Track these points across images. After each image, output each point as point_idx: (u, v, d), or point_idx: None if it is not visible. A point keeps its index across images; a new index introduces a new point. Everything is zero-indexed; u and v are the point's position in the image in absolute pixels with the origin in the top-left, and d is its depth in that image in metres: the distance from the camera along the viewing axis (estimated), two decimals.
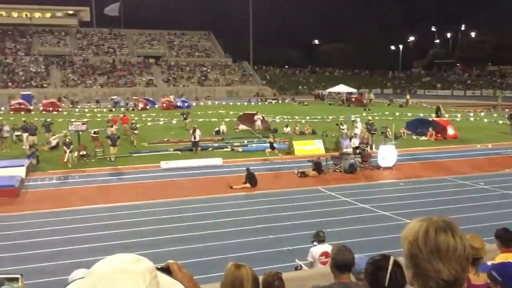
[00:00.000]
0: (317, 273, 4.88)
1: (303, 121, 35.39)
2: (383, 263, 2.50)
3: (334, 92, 63.78)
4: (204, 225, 13.54)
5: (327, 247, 7.45)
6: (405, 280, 1.58)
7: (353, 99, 57.53)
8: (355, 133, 26.03)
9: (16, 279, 3.95)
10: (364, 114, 41.54)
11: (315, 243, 8.13)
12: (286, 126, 32.21)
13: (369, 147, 24.02)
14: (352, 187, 18.03)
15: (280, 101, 63.57)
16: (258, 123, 30.94)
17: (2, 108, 48.21)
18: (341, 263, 3.65)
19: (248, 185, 17.65)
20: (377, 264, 2.56)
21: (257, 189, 17.51)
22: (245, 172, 18.11)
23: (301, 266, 8.47)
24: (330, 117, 39.06)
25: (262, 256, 10.85)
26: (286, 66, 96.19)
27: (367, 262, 2.67)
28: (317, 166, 19.93)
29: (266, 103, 60.84)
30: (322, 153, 23.69)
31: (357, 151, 21.48)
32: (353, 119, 32.08)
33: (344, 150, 21.73)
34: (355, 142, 22.91)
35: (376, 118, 36.43)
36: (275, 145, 23.53)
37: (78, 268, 4.74)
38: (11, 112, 43.76)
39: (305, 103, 57.42)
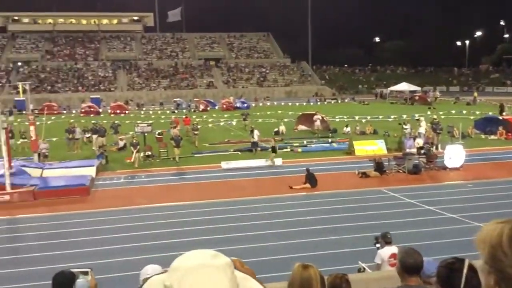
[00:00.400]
0: (383, 276, 4.79)
1: (364, 120, 34.71)
2: (458, 266, 2.41)
3: (396, 91, 61.99)
4: (264, 225, 13.64)
5: (394, 249, 7.27)
6: (481, 286, 1.51)
7: (417, 98, 55.65)
8: (419, 133, 25.16)
9: (86, 273, 4.18)
10: (429, 113, 40.06)
11: (378, 245, 7.96)
12: (346, 126, 31.74)
13: (434, 147, 23.17)
14: (417, 189, 17.46)
15: (339, 101, 62.68)
16: (318, 123, 30.71)
17: (74, 111, 51.05)
18: (410, 266, 3.55)
19: (308, 185, 17.58)
20: (451, 267, 2.47)
21: (317, 189, 17.39)
22: (304, 172, 18.05)
23: (364, 268, 8.32)
24: (392, 117, 38.00)
25: (323, 257, 10.76)
26: (346, 65, 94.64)
27: (439, 265, 2.59)
28: (379, 166, 19.48)
29: (325, 103, 60.20)
30: (384, 153, 23.13)
31: (422, 151, 20.76)
32: (417, 118, 31.05)
33: (408, 150, 21.12)
34: (420, 142, 22.18)
35: (442, 116, 35.04)
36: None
37: (147, 264, 4.95)
38: (82, 115, 46.18)
39: (366, 103, 56.24)
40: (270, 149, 22.55)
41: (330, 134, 30.16)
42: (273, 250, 11.49)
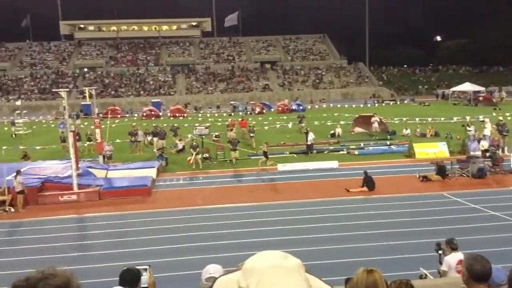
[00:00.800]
0: (448, 283, 4.62)
1: (425, 122, 33.59)
2: None
3: (459, 91, 59.46)
4: (320, 228, 13.55)
5: (461, 256, 7.00)
6: None
7: (481, 98, 53.09)
8: (484, 135, 24.01)
9: (145, 270, 4.35)
10: (494, 114, 38.08)
11: (440, 251, 7.71)
12: (406, 128, 30.86)
13: (500, 149, 22.03)
14: (482, 193, 16.67)
15: (398, 102, 61.03)
16: (375, 125, 30.06)
17: (136, 115, 53.06)
18: (478, 273, 3.40)
19: (365, 188, 17.28)
20: None
21: (375, 193, 17.05)
22: (362, 175, 17.75)
23: (426, 274, 8.07)
24: (455, 118, 36.50)
25: (382, 263, 10.52)
26: (405, 65, 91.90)
27: None
28: (441, 170, 18.78)
29: (384, 104, 58.82)
30: (446, 156, 22.29)
31: (487, 154, 19.81)
32: (481, 119, 29.64)
33: (472, 153, 20.23)
34: (485, 144, 21.17)
35: (508, 118, 33.24)
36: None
37: (204, 264, 5.08)
38: (143, 118, 47.94)
39: (426, 104, 54.36)
40: (262, 155, 22.06)
41: (388, 136, 29.46)
42: (328, 254, 11.39)
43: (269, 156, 21.99)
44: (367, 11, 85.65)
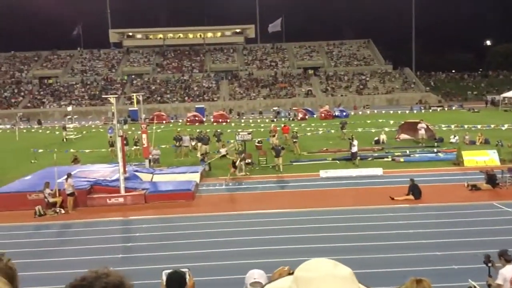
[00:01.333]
0: None
1: (474, 129, 32.44)
2: None
3: (510, 97, 57.02)
4: (363, 236, 13.33)
5: None
6: None
7: None
8: None
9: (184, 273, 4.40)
10: None
11: (489, 264, 7.43)
12: (454, 135, 29.91)
13: None
14: None
15: (446, 109, 59.22)
16: (422, 132, 29.30)
17: (180, 120, 54.13)
18: None
19: (411, 196, 16.85)
20: None
21: (421, 201, 16.60)
22: (407, 183, 17.34)
23: (475, 287, 7.79)
24: (506, 125, 35.02)
25: (428, 274, 10.22)
26: (453, 71, 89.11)
27: None
28: (491, 178, 18.07)
29: (430, 110, 57.25)
30: (497, 164, 21.43)
31: None
32: None
33: None
34: None
35: None
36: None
37: (246, 269, 5.12)
38: (187, 124, 48.83)
39: (476, 110, 52.46)
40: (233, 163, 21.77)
41: (435, 144, 28.64)
42: (373, 263, 11.19)
43: (238, 166, 21.77)
44: (413, 15, 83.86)
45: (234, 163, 21.80)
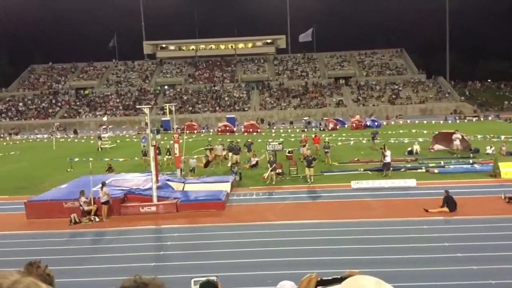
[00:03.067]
0: None
1: (511, 140, 31.44)
2: None
3: None
4: (397, 249, 13.07)
5: None
6: None
7: None
8: None
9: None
10: None
11: None
12: (490, 146, 29.07)
13: None
14: None
15: (482, 119, 57.68)
16: (457, 142, 28.61)
17: (211, 130, 54.65)
18: None
19: (446, 209, 16.43)
20: None
21: (457, 214, 16.17)
22: (442, 194, 16.93)
23: None
24: None
25: None
26: (489, 80, 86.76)
27: None
28: None
29: (466, 120, 55.90)
30: None
31: None
32: None
33: None
34: None
35: None
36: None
37: (276, 280, 5.12)
38: (218, 134, 49.24)
39: None
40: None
41: (471, 155, 27.90)
42: (408, 277, 10.94)
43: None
44: (447, 23, 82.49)
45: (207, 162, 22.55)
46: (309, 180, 22.45)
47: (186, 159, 25.98)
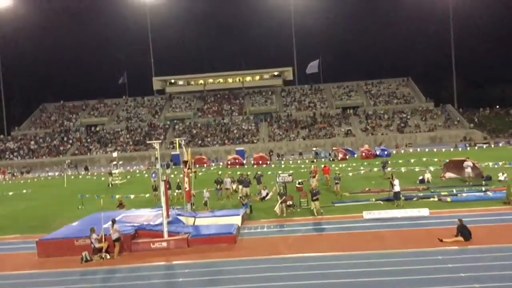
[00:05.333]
0: None
1: None
2: None
3: None
4: (412, 281, 12.83)
5: None
6: None
7: None
8: None
9: None
10: None
11: None
12: (502, 173, 28.76)
13: None
14: None
15: (492, 145, 57.30)
16: (468, 170, 28.37)
17: (221, 163, 54.76)
18: None
19: (460, 238, 16.16)
20: None
21: (472, 243, 15.89)
22: (456, 223, 16.68)
23: None
24: None
25: None
26: (497, 106, 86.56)
27: None
28: None
29: (476, 148, 55.55)
30: None
31: None
32: None
33: None
34: None
35: None
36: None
37: None
38: (228, 166, 49.31)
39: None
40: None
41: (483, 182, 27.60)
42: None
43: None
44: (453, 51, 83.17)
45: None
46: (316, 214, 22.06)
47: (196, 193, 26.00)
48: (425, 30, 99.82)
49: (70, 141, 77.69)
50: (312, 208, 22.59)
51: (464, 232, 16.26)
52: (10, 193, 38.57)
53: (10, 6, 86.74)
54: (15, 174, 61.09)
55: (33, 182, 50.97)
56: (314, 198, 22.29)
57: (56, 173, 58.54)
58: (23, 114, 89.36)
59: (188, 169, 23.23)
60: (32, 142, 77.78)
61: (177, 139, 32.21)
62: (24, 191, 40.43)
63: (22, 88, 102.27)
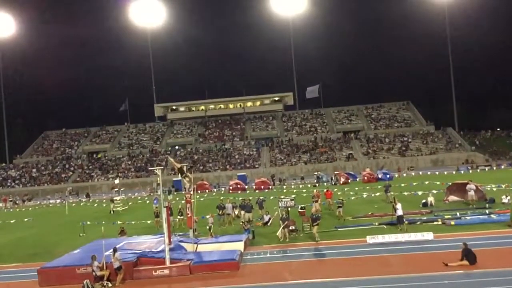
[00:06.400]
0: None
1: None
2: None
3: None
4: None
5: None
6: None
7: None
8: None
9: None
10: None
11: None
12: (506, 195, 28.61)
13: None
14: None
15: (494, 168, 57.19)
16: (471, 193, 28.26)
17: (223, 189, 54.61)
18: None
19: (465, 262, 16.00)
20: None
21: (477, 267, 15.71)
22: (461, 247, 16.54)
23: None
24: None
25: None
26: (498, 129, 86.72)
27: None
28: None
29: (478, 170, 55.43)
30: None
31: None
32: None
33: None
34: None
35: None
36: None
37: None
38: (230, 192, 49.15)
39: None
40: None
41: (487, 205, 27.45)
42: None
43: None
44: (452, 74, 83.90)
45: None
46: (317, 239, 21.82)
47: (198, 219, 25.83)
48: (424, 54, 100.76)
49: (72, 168, 77.72)
50: (313, 233, 22.35)
51: (469, 256, 16.10)
52: (12, 221, 38.37)
53: (13, 34, 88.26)
54: (16, 202, 60.92)
55: (34, 210, 50.77)
56: (315, 223, 22.12)
57: (58, 201, 58.35)
58: (25, 142, 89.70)
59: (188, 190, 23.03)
60: (34, 170, 77.82)
61: (178, 165, 32.17)
62: (26, 219, 40.25)
63: (24, 116, 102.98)
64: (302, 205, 29.67)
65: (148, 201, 45.65)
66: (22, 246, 27.15)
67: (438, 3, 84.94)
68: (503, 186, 34.45)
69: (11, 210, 53.93)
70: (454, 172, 53.39)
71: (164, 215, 19.24)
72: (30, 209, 52.23)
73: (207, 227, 24.70)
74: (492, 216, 23.97)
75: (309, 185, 50.90)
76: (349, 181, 50.81)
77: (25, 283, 18.58)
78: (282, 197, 30.03)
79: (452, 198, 30.61)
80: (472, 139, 78.74)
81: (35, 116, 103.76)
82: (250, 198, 32.18)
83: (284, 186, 52.69)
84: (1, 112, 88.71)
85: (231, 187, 51.48)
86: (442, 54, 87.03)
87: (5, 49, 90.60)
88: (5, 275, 20.45)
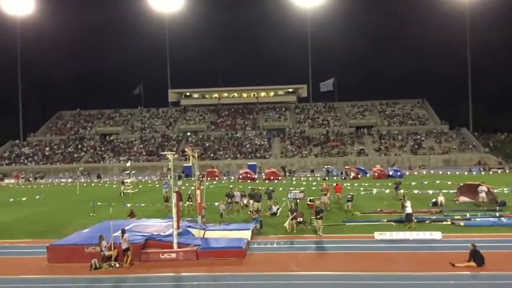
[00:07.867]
0: None
1: None
2: None
3: None
4: None
5: None
6: None
7: None
8: None
9: None
10: None
11: None
12: None
13: None
14: None
15: (507, 171, 56.55)
16: (483, 195, 28.01)
17: (232, 177, 54.77)
18: None
19: (473, 263, 15.90)
20: None
21: (485, 269, 15.61)
22: (469, 249, 16.43)
23: None
24: None
25: None
26: None
27: None
28: None
29: (491, 172, 54.86)
30: None
31: None
32: None
33: None
34: None
35: None
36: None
37: None
38: (239, 181, 49.28)
39: None
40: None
41: (497, 208, 27.21)
42: None
43: None
44: (469, 74, 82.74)
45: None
46: (319, 233, 21.67)
47: (206, 206, 25.99)
48: (443, 52, 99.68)
49: (84, 149, 78.48)
50: (315, 226, 22.13)
51: (477, 257, 16.00)
52: (24, 198, 38.95)
53: (31, 15, 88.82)
54: (29, 179, 61.76)
55: (46, 187, 51.46)
56: (318, 216, 21.91)
57: (69, 180, 59.05)
58: (39, 120, 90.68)
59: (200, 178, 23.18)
60: (47, 148, 78.72)
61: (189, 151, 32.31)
62: (37, 196, 40.83)
63: (39, 95, 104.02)
64: (311, 198, 29.64)
65: (158, 185, 45.96)
66: (32, 223, 27.57)
67: (460, 1, 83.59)
68: None
69: (23, 186, 54.73)
70: (466, 173, 52.91)
71: (174, 199, 19.36)
72: (41, 186, 52.95)
73: (220, 214, 24.86)
74: (502, 219, 23.75)
75: (318, 178, 50.83)
76: (359, 176, 50.62)
77: (35, 259, 18.88)
78: (291, 188, 30.10)
79: (463, 199, 30.38)
80: (486, 141, 77.78)
81: (51, 95, 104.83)
82: (260, 188, 32.24)
83: (294, 178, 52.67)
84: (17, 90, 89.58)
85: (240, 176, 51.60)
86: (461, 53, 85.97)
87: (24, 28, 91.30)
88: (15, 250, 20.83)
